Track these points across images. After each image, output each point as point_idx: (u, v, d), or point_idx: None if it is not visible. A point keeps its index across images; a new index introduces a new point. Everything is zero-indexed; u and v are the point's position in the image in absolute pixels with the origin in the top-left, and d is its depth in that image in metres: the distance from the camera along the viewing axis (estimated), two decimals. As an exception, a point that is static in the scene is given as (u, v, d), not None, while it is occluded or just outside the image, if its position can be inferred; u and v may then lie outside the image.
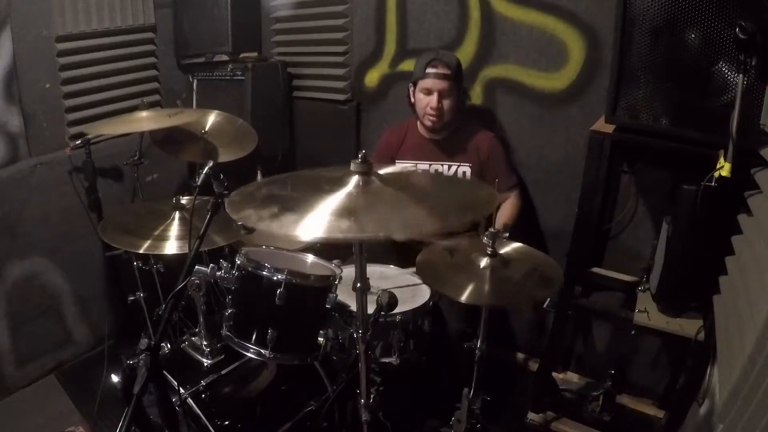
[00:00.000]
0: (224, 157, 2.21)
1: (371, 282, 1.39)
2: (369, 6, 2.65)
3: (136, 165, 2.41)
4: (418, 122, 2.35)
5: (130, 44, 2.70)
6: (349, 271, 1.69)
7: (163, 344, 1.78)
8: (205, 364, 1.90)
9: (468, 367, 1.87)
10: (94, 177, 2.36)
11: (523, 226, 2.42)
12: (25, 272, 2.44)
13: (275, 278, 1.63)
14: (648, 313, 1.97)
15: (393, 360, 1.82)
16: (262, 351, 1.65)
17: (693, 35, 1.60)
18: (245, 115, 2.66)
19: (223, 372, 1.90)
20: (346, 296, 1.72)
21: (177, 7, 2.84)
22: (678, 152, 1.77)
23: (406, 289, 1.95)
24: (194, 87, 2.97)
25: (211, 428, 1.76)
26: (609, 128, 1.90)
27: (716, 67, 1.60)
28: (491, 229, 1.65)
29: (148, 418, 1.65)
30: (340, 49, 2.80)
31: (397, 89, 2.68)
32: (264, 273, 1.65)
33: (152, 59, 2.85)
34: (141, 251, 1.87)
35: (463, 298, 1.55)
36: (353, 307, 1.72)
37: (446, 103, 2.20)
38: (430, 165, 2.36)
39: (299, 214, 1.16)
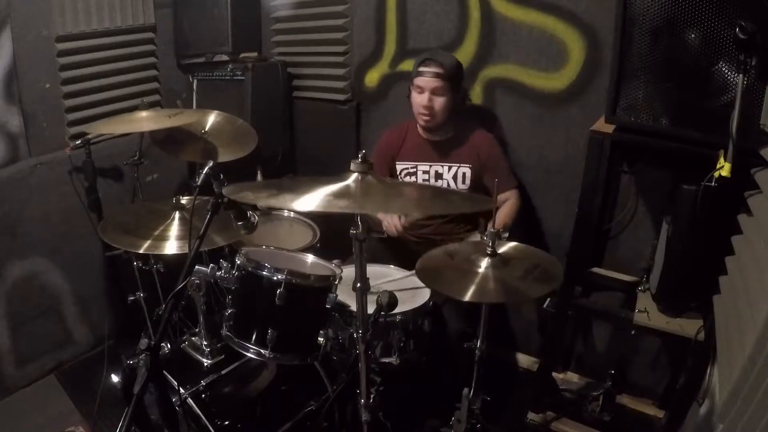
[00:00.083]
0: (224, 157, 2.21)
1: (371, 282, 1.40)
2: (369, 6, 2.65)
3: (136, 165, 2.41)
4: (418, 123, 2.35)
5: (130, 44, 2.70)
6: (349, 271, 1.69)
7: (163, 344, 1.77)
8: (205, 364, 1.90)
9: (468, 367, 1.87)
10: (94, 177, 2.36)
11: (523, 226, 2.42)
12: (25, 272, 2.44)
13: (275, 278, 1.63)
14: (648, 313, 1.97)
15: (393, 360, 1.82)
16: (262, 351, 1.65)
17: (693, 35, 1.60)
18: (245, 115, 2.66)
19: (223, 372, 1.90)
20: (346, 296, 1.72)
21: (177, 7, 2.84)
22: (678, 152, 1.77)
23: (406, 288, 1.95)
24: (194, 87, 2.97)
25: (211, 428, 1.76)
26: (609, 128, 1.90)
27: (716, 67, 1.60)
28: (491, 229, 1.65)
29: (148, 418, 1.65)
30: (340, 49, 2.80)
31: (397, 89, 2.68)
32: (264, 273, 1.65)
33: (152, 59, 2.85)
34: (141, 251, 1.86)
35: (466, 297, 1.55)
36: (353, 307, 1.72)
37: (438, 101, 2.19)
38: (430, 166, 2.36)
39: (297, 194, 1.18)
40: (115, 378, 2.37)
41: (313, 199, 1.16)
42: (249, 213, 1.56)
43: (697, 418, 1.75)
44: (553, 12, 2.21)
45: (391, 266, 2.11)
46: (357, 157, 1.28)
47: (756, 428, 1.19)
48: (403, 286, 1.95)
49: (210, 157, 2.18)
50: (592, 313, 2.49)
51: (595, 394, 2.36)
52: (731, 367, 1.32)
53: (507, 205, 2.30)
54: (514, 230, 2.14)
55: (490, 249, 1.66)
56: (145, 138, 2.37)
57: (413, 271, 1.84)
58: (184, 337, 2.00)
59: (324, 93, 2.94)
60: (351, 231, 1.31)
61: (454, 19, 2.44)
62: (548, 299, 2.27)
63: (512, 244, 1.79)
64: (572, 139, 2.32)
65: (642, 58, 1.72)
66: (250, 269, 1.68)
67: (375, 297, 1.46)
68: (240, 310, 1.71)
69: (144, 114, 2.10)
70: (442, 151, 2.34)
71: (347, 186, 1.25)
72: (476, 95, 2.50)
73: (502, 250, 1.73)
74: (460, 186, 2.34)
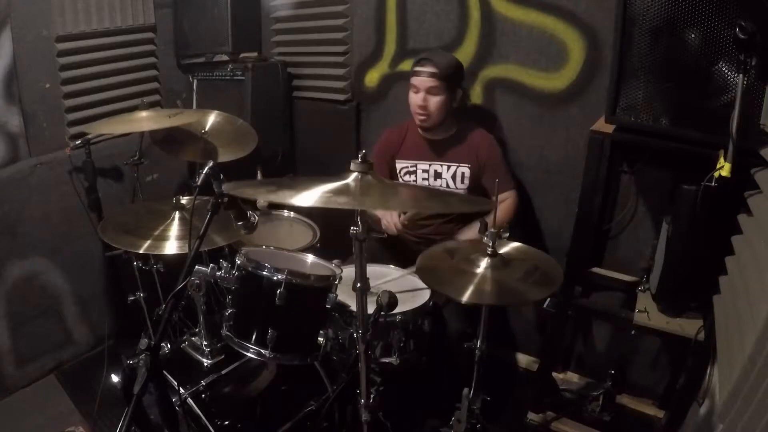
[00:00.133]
0: (224, 157, 2.21)
1: (371, 282, 1.40)
2: (369, 6, 2.65)
3: (136, 165, 2.41)
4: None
5: (130, 44, 2.70)
6: (349, 271, 1.69)
7: (163, 344, 1.78)
8: (205, 364, 1.90)
9: (468, 367, 1.87)
10: (94, 177, 2.36)
11: (524, 226, 2.42)
12: (25, 272, 2.44)
13: (275, 278, 1.63)
14: (648, 313, 1.97)
15: (393, 360, 1.82)
16: (262, 351, 1.65)
17: (693, 35, 1.61)
18: (245, 115, 2.66)
19: (223, 372, 1.90)
20: (346, 296, 1.72)
21: (177, 7, 2.84)
22: (678, 152, 1.77)
23: (406, 288, 1.95)
24: (194, 87, 2.97)
25: (211, 428, 1.76)
26: (609, 128, 1.90)
27: (716, 67, 1.60)
28: (491, 230, 1.65)
29: (148, 418, 1.65)
30: (340, 49, 2.80)
31: (397, 89, 2.68)
32: (264, 273, 1.65)
33: (152, 59, 2.85)
34: (141, 251, 1.86)
35: (464, 298, 1.55)
36: (353, 307, 1.72)
37: (433, 101, 2.19)
38: (430, 165, 2.36)
39: (297, 190, 1.19)
40: (115, 378, 2.37)
41: (312, 196, 1.17)
42: (249, 213, 1.56)
43: (697, 418, 1.75)
44: (553, 12, 2.21)
45: (391, 266, 2.11)
46: (357, 157, 1.29)
47: (756, 428, 1.19)
48: (403, 286, 1.95)
49: (210, 157, 2.18)
50: (592, 313, 2.49)
51: (595, 394, 2.36)
52: (731, 367, 1.32)
53: (503, 206, 2.29)
54: (515, 230, 2.14)
55: (490, 249, 1.66)
56: (145, 138, 2.37)
57: (412, 268, 1.84)
58: (184, 337, 2.00)
59: (324, 93, 2.93)
60: (351, 230, 1.31)
61: (454, 19, 2.44)
62: (548, 299, 2.27)
63: (514, 244, 1.79)
64: (572, 139, 2.32)
65: (642, 58, 1.72)
66: (250, 269, 1.68)
67: (375, 297, 1.46)
68: (240, 310, 1.71)
69: (144, 114, 2.10)
70: (442, 151, 2.34)
71: (347, 185, 1.25)
72: (476, 95, 2.50)
73: (503, 250, 1.73)
74: (459, 186, 2.34)
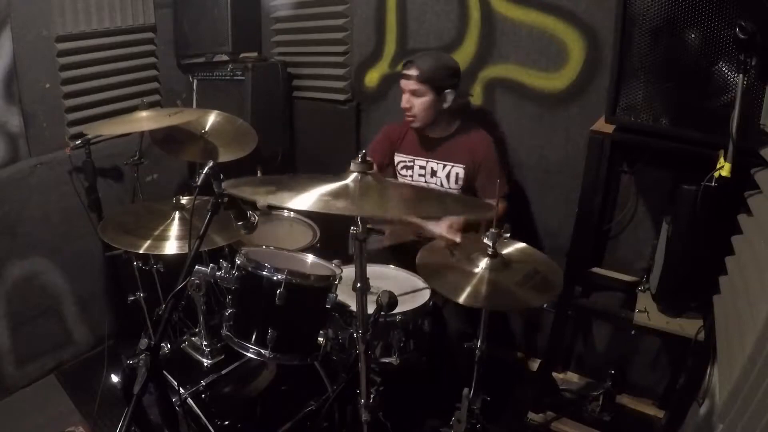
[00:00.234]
0: (224, 157, 2.21)
1: (371, 282, 1.40)
2: (369, 6, 2.65)
3: (136, 165, 2.41)
4: None
5: (130, 44, 2.70)
6: (349, 271, 1.69)
7: (163, 344, 1.78)
8: (205, 364, 1.90)
9: (468, 367, 1.87)
10: (94, 177, 2.36)
11: (524, 226, 2.42)
12: (25, 272, 2.44)
13: (275, 278, 1.63)
14: (648, 313, 1.97)
15: (393, 360, 1.82)
16: (262, 351, 1.65)
17: (693, 35, 1.61)
18: (245, 115, 2.66)
19: (223, 372, 1.90)
20: (346, 296, 1.72)
21: (177, 7, 2.84)
22: (678, 152, 1.77)
23: (406, 289, 1.95)
24: (194, 87, 2.96)
25: (211, 428, 1.76)
26: (609, 128, 1.90)
27: (716, 67, 1.60)
28: (492, 230, 1.65)
29: (148, 418, 1.65)
30: (340, 49, 2.80)
31: (397, 89, 2.64)
32: (264, 273, 1.65)
33: (152, 59, 2.85)
34: (141, 251, 1.87)
35: (461, 299, 1.55)
36: (353, 307, 1.72)
37: (416, 102, 2.21)
38: (427, 162, 2.36)
39: (296, 192, 1.19)
40: (115, 378, 2.37)
41: (310, 200, 1.16)
42: (249, 213, 1.56)
43: (697, 418, 1.75)
44: (553, 12, 2.21)
45: (391, 266, 2.11)
46: (357, 157, 1.29)
47: (756, 428, 1.19)
48: (403, 286, 1.95)
49: (210, 157, 2.18)
50: (592, 313, 2.49)
51: (595, 394, 2.36)
52: (731, 367, 1.32)
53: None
54: (515, 230, 2.14)
55: (491, 249, 1.66)
56: (145, 138, 2.37)
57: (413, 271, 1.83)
58: (184, 337, 2.00)
59: (324, 93, 2.94)
60: (351, 231, 1.31)
61: (454, 19, 2.44)
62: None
63: (519, 245, 1.79)
64: (572, 139, 2.32)
65: (642, 58, 1.72)
66: (250, 269, 1.67)
67: (375, 297, 1.46)
68: (240, 310, 1.71)
69: (144, 114, 2.10)
70: (439, 149, 2.34)
71: (346, 186, 1.24)
72: (476, 95, 2.50)
73: (506, 251, 1.72)
74: (452, 185, 2.34)
